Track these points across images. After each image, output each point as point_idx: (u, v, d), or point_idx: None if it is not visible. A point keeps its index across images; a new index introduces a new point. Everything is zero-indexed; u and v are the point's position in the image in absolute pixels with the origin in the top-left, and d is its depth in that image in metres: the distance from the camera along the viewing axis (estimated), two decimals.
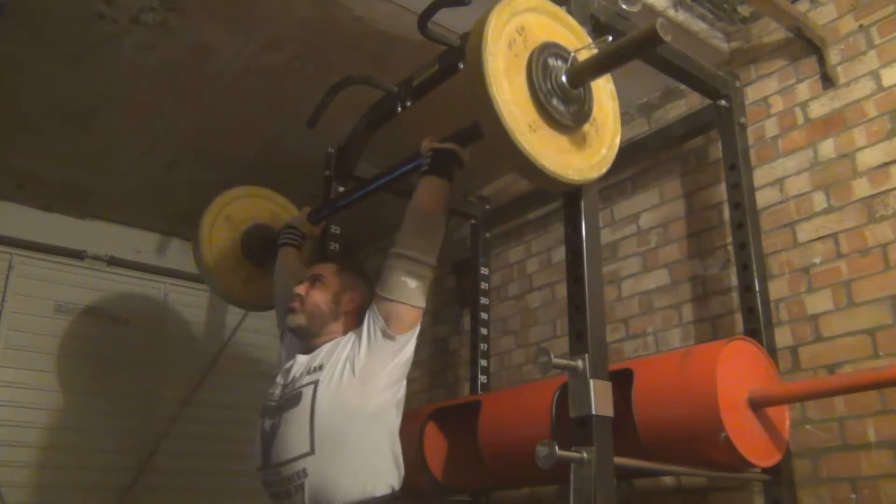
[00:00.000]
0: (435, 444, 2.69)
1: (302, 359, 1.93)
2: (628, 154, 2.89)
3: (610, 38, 1.65)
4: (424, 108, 2.63)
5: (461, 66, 2.31)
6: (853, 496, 2.05)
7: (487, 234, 3.41)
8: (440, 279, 3.76)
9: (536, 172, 1.51)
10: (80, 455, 3.67)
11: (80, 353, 3.81)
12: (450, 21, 2.31)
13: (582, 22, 1.90)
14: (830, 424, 2.14)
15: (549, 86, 1.55)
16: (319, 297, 1.97)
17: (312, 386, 1.79)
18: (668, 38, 1.42)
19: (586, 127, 1.66)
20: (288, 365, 1.97)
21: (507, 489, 2.93)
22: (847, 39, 2.38)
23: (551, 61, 1.58)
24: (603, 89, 1.77)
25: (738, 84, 2.54)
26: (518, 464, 2.33)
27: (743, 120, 2.48)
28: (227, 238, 2.74)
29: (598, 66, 1.62)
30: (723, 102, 2.48)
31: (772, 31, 2.58)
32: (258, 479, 1.88)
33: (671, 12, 2.47)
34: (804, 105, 2.45)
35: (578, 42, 1.72)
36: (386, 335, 1.80)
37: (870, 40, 2.32)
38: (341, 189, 2.83)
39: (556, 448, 1.51)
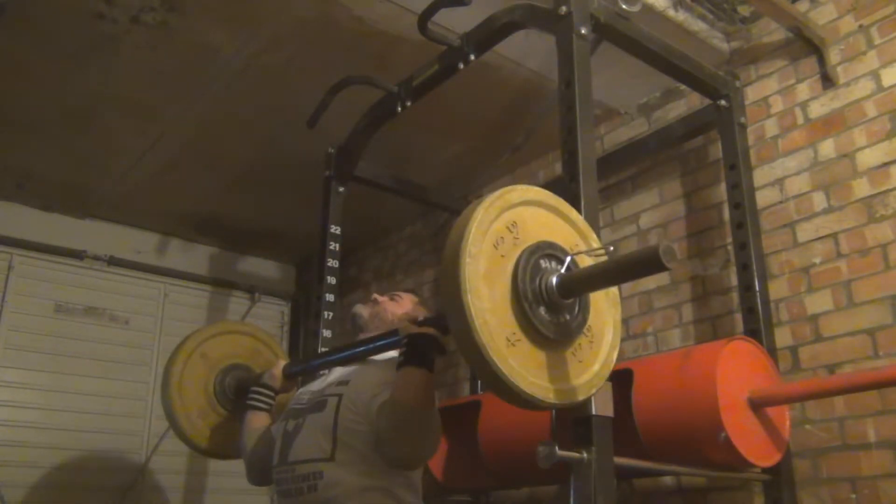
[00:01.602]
0: None
1: (337, 370, 2.02)
2: (628, 154, 2.90)
3: (612, 248, 1.47)
4: (424, 108, 2.63)
5: (461, 66, 2.33)
6: (853, 496, 2.06)
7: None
8: (440, 279, 3.75)
9: (510, 394, 1.28)
10: (80, 455, 3.67)
11: (80, 353, 3.81)
12: (450, 21, 2.32)
13: (582, 23, 1.91)
14: (830, 424, 2.14)
15: (537, 291, 1.35)
16: (390, 308, 2.07)
17: (337, 398, 1.82)
18: (671, 267, 1.23)
19: (579, 338, 1.43)
20: (324, 374, 2.07)
21: (507, 489, 2.93)
22: (847, 39, 2.38)
23: (543, 263, 1.38)
24: (601, 295, 1.52)
25: (738, 84, 2.54)
26: (518, 464, 2.33)
27: (743, 120, 2.48)
28: (201, 377, 2.51)
29: (592, 281, 1.40)
30: (723, 102, 2.48)
31: (772, 31, 2.58)
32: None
33: (671, 12, 2.47)
34: (804, 105, 2.45)
35: (581, 239, 1.50)
36: None
37: (870, 40, 2.32)
38: (341, 189, 2.83)
39: (556, 448, 1.51)
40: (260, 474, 2.09)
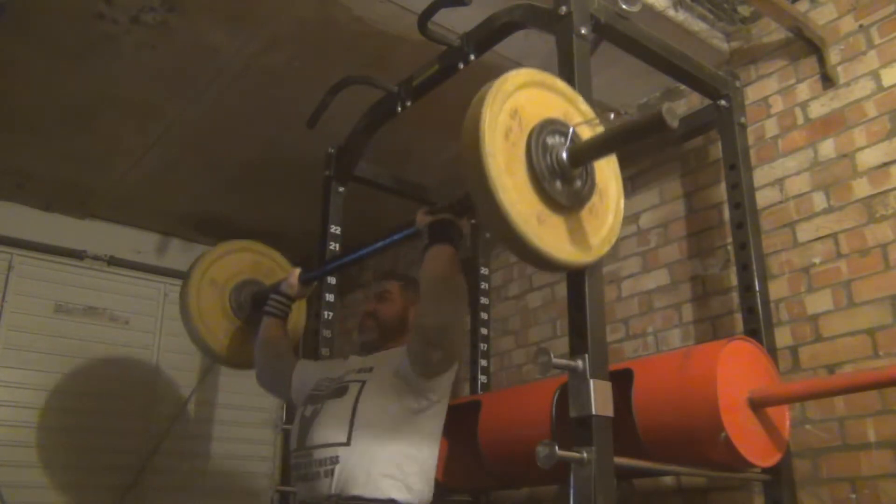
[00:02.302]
0: None
1: (355, 359, 2.03)
2: (628, 154, 2.90)
3: (612, 115, 1.59)
4: (424, 108, 2.63)
5: (461, 66, 2.33)
6: (853, 496, 2.05)
7: (487, 234, 3.41)
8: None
9: (549, 264, 1.47)
10: (80, 455, 3.67)
11: (80, 353, 3.81)
12: (450, 21, 2.32)
13: (582, 23, 1.91)
14: (830, 424, 2.14)
15: (551, 166, 1.48)
16: (389, 314, 2.07)
17: (360, 384, 1.85)
18: (674, 125, 1.34)
19: (592, 199, 1.59)
20: (341, 361, 2.08)
21: (507, 489, 2.93)
22: (847, 39, 2.38)
23: (550, 140, 1.50)
24: None
25: (738, 84, 2.54)
26: (518, 464, 2.33)
27: (743, 120, 2.48)
28: (216, 302, 2.66)
29: (600, 150, 1.54)
30: (723, 102, 2.48)
31: (772, 31, 2.58)
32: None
33: (671, 12, 2.47)
34: (804, 105, 2.45)
35: (574, 109, 1.62)
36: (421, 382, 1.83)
37: (870, 40, 2.32)
38: (341, 189, 2.84)
39: (556, 448, 1.51)
40: (268, 382, 2.23)
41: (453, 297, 1.80)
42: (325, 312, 2.66)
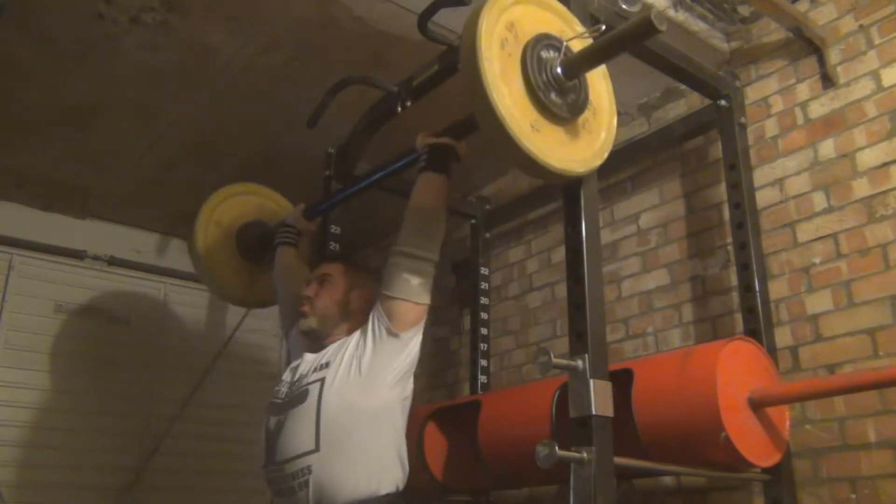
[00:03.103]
0: (435, 444, 2.69)
1: (309, 357, 1.95)
2: (628, 154, 2.90)
3: (603, 28, 1.65)
4: (424, 108, 2.63)
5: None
6: (853, 496, 2.05)
7: (487, 234, 3.41)
8: (440, 279, 3.76)
9: (543, 171, 1.52)
10: (79, 455, 3.67)
11: (80, 353, 3.81)
12: (450, 21, 2.31)
13: (581, 21, 1.91)
14: (830, 424, 2.14)
15: (546, 80, 1.54)
16: (329, 299, 1.98)
17: (319, 384, 1.79)
18: (663, 28, 1.40)
19: (586, 113, 1.66)
20: (295, 363, 1.98)
21: (507, 489, 2.93)
22: (847, 39, 2.38)
23: (544, 53, 1.57)
24: (596, 71, 1.76)
25: (738, 84, 2.54)
26: (518, 464, 2.33)
27: (743, 120, 2.48)
28: (223, 244, 2.73)
29: (593, 58, 1.61)
30: (723, 102, 2.48)
31: (772, 31, 2.58)
32: (262, 476, 1.88)
33: (671, 12, 2.47)
34: (804, 105, 2.45)
35: (568, 27, 1.70)
36: (391, 333, 1.79)
37: (870, 40, 2.32)
38: None
39: (556, 448, 1.51)
40: (293, 308, 2.16)
41: (434, 227, 1.87)
42: None
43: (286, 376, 1.97)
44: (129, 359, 3.95)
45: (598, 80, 1.75)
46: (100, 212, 3.99)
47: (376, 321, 1.82)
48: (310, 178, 3.05)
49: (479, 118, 1.47)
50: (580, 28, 1.71)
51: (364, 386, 1.77)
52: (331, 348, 1.91)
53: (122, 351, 3.94)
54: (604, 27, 1.65)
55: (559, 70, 1.56)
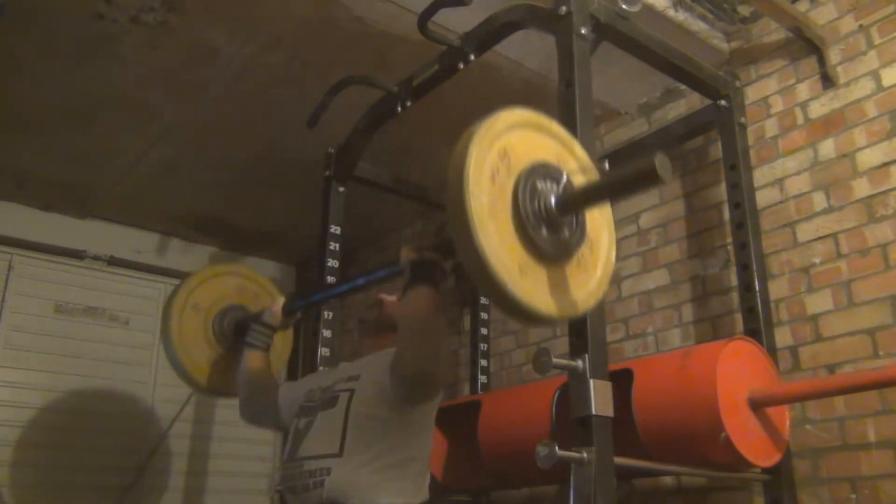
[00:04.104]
0: (435, 444, 2.67)
1: (344, 366, 2.01)
2: (628, 154, 2.90)
3: (606, 164, 1.54)
4: (424, 108, 2.63)
5: (461, 66, 2.33)
6: (853, 496, 2.05)
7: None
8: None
9: (529, 317, 1.36)
10: (80, 455, 3.67)
11: (80, 353, 3.81)
12: (450, 21, 2.32)
13: (582, 23, 1.91)
14: (830, 424, 2.14)
15: (538, 213, 1.39)
16: (393, 308, 2.02)
17: (349, 393, 1.82)
18: (667, 179, 1.26)
19: (581, 249, 1.49)
20: (329, 372, 2.05)
21: (507, 489, 2.93)
22: (847, 39, 2.38)
23: (540, 184, 1.41)
24: None
25: (738, 84, 2.54)
26: (518, 464, 2.33)
27: (743, 120, 2.48)
28: (199, 327, 2.57)
29: (591, 199, 1.45)
30: (723, 102, 2.48)
31: (772, 31, 2.58)
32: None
33: (671, 12, 2.47)
34: (804, 105, 2.45)
35: (568, 153, 1.53)
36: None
37: (870, 40, 2.32)
38: (341, 189, 2.83)
39: (556, 448, 1.51)
40: (252, 414, 2.17)
41: (432, 340, 1.72)
42: (325, 312, 2.66)
43: (322, 381, 2.00)
44: (129, 359, 3.95)
45: (598, 212, 1.56)
46: (100, 212, 3.99)
47: (391, 390, 1.79)
48: (310, 179, 3.05)
49: (463, 258, 1.33)
50: (580, 152, 1.56)
51: (390, 405, 1.79)
52: (364, 361, 1.95)
53: (122, 351, 3.94)
54: (607, 164, 1.55)
55: (553, 203, 1.40)
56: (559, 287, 1.42)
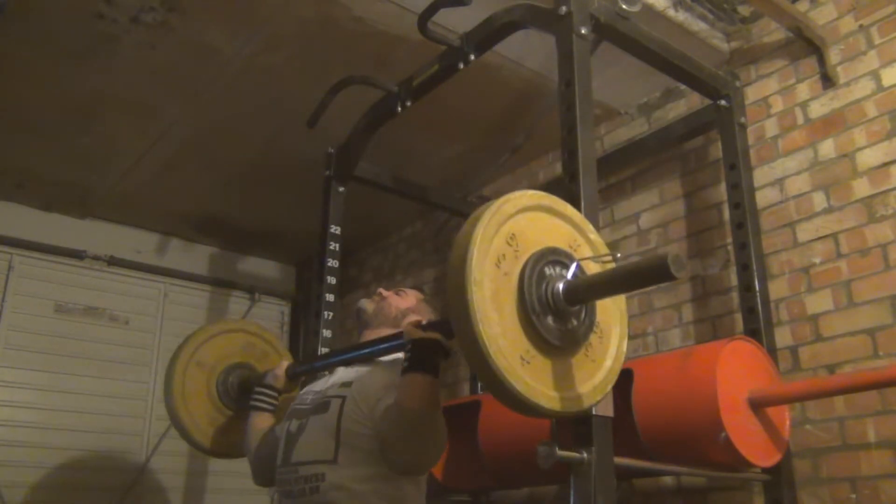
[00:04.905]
0: None
1: (340, 371, 2.00)
2: (628, 154, 2.90)
3: (619, 255, 1.43)
4: (424, 108, 2.63)
5: (461, 66, 2.33)
6: (853, 496, 2.05)
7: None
8: (440, 279, 3.76)
9: (531, 411, 1.29)
10: (79, 455, 3.67)
11: (80, 353, 3.81)
12: (450, 21, 2.32)
13: (582, 23, 1.91)
14: (830, 424, 2.15)
15: (545, 301, 1.32)
16: (394, 302, 2.05)
17: (340, 399, 1.81)
18: (680, 276, 1.20)
19: (590, 339, 1.42)
20: (325, 376, 2.04)
21: (507, 489, 2.93)
22: (847, 39, 2.38)
23: (548, 270, 1.34)
24: None
25: (738, 84, 2.54)
26: (518, 464, 2.33)
27: (743, 120, 2.48)
28: (203, 387, 2.51)
29: (601, 291, 1.38)
30: (723, 102, 2.48)
31: (772, 31, 2.58)
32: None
33: (671, 12, 2.47)
34: (804, 105, 2.45)
35: (581, 236, 1.47)
36: None
37: (870, 40, 2.32)
38: (341, 189, 2.83)
39: (556, 448, 1.51)
40: (265, 475, 2.08)
41: (425, 436, 1.66)
42: (325, 312, 2.66)
43: (317, 385, 2.00)
44: (129, 359, 3.95)
45: (609, 301, 1.48)
46: (100, 212, 3.99)
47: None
48: (310, 178, 3.06)
49: (462, 346, 1.27)
50: (594, 237, 1.49)
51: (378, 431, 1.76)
52: (356, 371, 1.94)
53: (122, 351, 3.94)
54: (619, 255, 1.44)
55: (560, 290, 1.33)
56: (564, 379, 1.34)
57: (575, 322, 1.36)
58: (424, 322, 1.84)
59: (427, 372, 1.65)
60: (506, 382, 1.23)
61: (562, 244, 1.41)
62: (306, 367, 2.31)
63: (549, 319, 1.32)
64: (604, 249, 1.49)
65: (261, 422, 2.17)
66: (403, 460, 1.68)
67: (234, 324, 2.80)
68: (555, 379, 1.32)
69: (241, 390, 2.50)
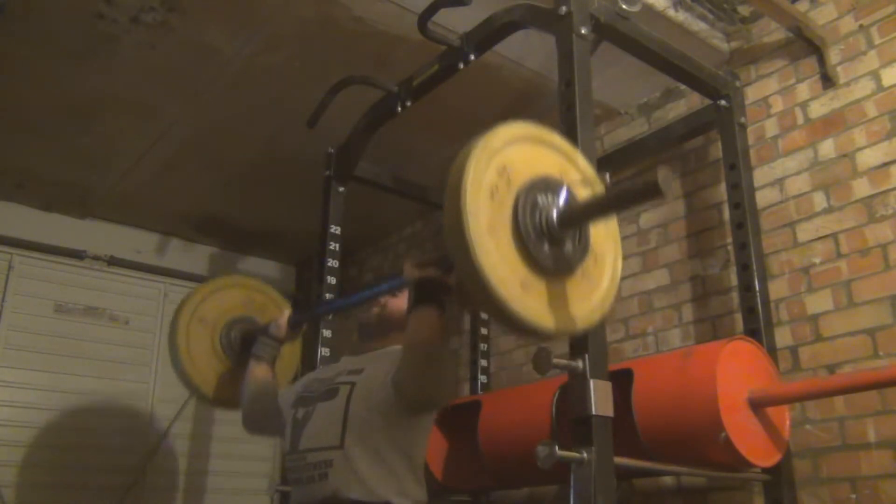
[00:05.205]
0: (435, 444, 2.69)
1: (346, 359, 2.01)
2: (628, 154, 2.90)
3: (608, 177, 1.53)
4: (424, 108, 2.63)
5: (461, 66, 2.33)
6: (853, 496, 2.05)
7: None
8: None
9: (534, 333, 1.35)
10: (80, 455, 3.67)
11: (80, 353, 3.81)
12: (450, 21, 2.32)
13: (582, 23, 1.91)
14: (830, 424, 2.14)
15: (539, 229, 1.36)
16: (395, 308, 2.02)
17: (350, 386, 1.83)
18: (668, 192, 1.25)
19: (584, 262, 1.46)
20: (331, 364, 2.05)
21: (507, 489, 2.93)
22: (847, 39, 2.38)
23: (541, 199, 1.39)
24: None
25: (738, 84, 2.54)
26: (518, 464, 2.33)
27: (743, 120, 2.48)
28: (206, 342, 2.58)
29: (593, 214, 1.43)
30: (723, 102, 2.48)
31: (772, 31, 2.58)
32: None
33: (671, 12, 2.47)
34: (804, 105, 2.45)
35: (570, 164, 1.51)
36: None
37: (870, 40, 2.32)
38: (341, 189, 2.83)
39: (556, 448, 1.51)
40: (256, 424, 2.16)
41: (436, 366, 1.72)
42: None
43: (323, 374, 2.01)
44: (129, 359, 3.95)
45: (603, 223, 1.54)
46: (100, 212, 3.99)
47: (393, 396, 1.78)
48: (310, 179, 3.05)
49: (464, 278, 1.32)
50: (583, 163, 1.53)
51: (390, 405, 1.78)
52: (368, 356, 1.95)
53: (122, 351, 3.94)
54: (608, 176, 1.53)
55: (554, 216, 1.38)
56: (562, 301, 1.40)
57: (570, 246, 1.41)
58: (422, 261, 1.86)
59: (432, 304, 1.73)
60: (509, 309, 1.27)
61: (552, 172, 1.45)
62: (308, 314, 2.35)
63: (545, 245, 1.37)
64: (592, 175, 1.53)
65: (259, 371, 2.21)
66: (416, 391, 1.72)
67: (230, 279, 2.84)
68: (553, 301, 1.37)
69: (244, 343, 2.55)
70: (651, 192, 1.27)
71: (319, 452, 1.77)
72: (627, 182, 1.36)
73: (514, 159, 1.39)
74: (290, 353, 2.64)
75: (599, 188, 1.50)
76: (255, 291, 2.77)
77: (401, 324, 2.01)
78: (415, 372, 1.71)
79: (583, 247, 1.44)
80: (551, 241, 1.37)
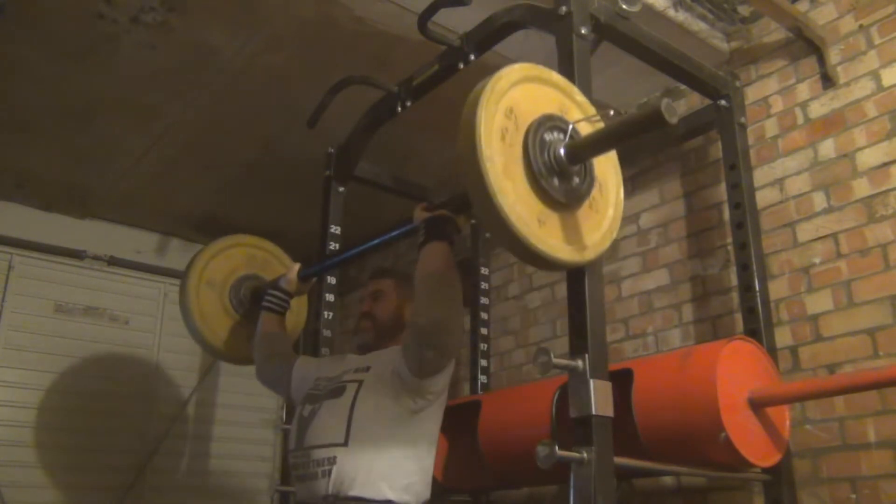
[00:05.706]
0: None
1: (353, 357, 2.02)
2: (628, 154, 2.89)
3: (612, 112, 1.57)
4: (424, 108, 2.63)
5: (461, 66, 2.33)
6: (853, 496, 2.06)
7: (488, 234, 3.41)
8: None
9: (552, 265, 1.46)
10: (80, 455, 3.67)
11: (80, 353, 3.81)
12: (450, 21, 2.32)
13: (582, 23, 1.91)
14: (830, 424, 2.14)
15: (549, 164, 1.45)
16: (385, 314, 2.04)
17: (357, 384, 1.84)
18: (673, 122, 1.31)
19: (592, 193, 1.56)
20: (339, 361, 2.06)
21: (507, 489, 2.93)
22: (847, 39, 2.38)
23: (548, 136, 1.47)
24: None
25: (738, 84, 2.54)
26: (518, 464, 2.33)
27: (743, 120, 2.48)
28: (216, 301, 2.68)
29: (599, 146, 1.50)
30: (723, 102, 2.48)
31: (772, 31, 2.58)
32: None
33: (671, 12, 2.47)
34: (804, 105, 2.45)
35: (571, 102, 1.59)
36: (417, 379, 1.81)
37: (870, 40, 2.32)
38: (341, 189, 2.84)
39: (556, 448, 1.51)
40: (266, 376, 2.23)
41: (448, 294, 1.76)
42: (325, 312, 2.67)
43: (330, 371, 2.01)
44: (129, 359, 3.95)
45: (603, 157, 1.62)
46: (100, 212, 3.99)
47: (405, 370, 1.80)
48: (310, 178, 3.06)
49: (484, 219, 1.40)
50: (581, 98, 1.61)
51: (403, 394, 1.80)
52: (375, 354, 1.97)
53: (122, 351, 3.94)
54: (612, 112, 1.58)
55: (563, 154, 1.46)
56: (576, 232, 1.50)
57: (577, 180, 1.51)
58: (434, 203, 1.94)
59: (442, 240, 1.81)
60: (530, 245, 1.37)
61: (554, 110, 1.53)
62: (317, 267, 2.44)
63: (555, 180, 1.46)
64: (591, 110, 1.61)
65: (270, 323, 2.30)
66: (427, 317, 1.73)
67: (230, 240, 2.88)
68: (569, 233, 1.48)
69: (253, 298, 2.65)
70: (654, 121, 1.33)
71: (324, 449, 1.78)
72: (631, 114, 1.42)
73: (519, 100, 1.46)
74: (298, 309, 2.70)
75: (600, 122, 1.57)
76: (254, 248, 2.86)
77: (395, 325, 2.02)
78: (428, 300, 1.74)
79: (589, 179, 1.53)
80: (561, 176, 1.46)
